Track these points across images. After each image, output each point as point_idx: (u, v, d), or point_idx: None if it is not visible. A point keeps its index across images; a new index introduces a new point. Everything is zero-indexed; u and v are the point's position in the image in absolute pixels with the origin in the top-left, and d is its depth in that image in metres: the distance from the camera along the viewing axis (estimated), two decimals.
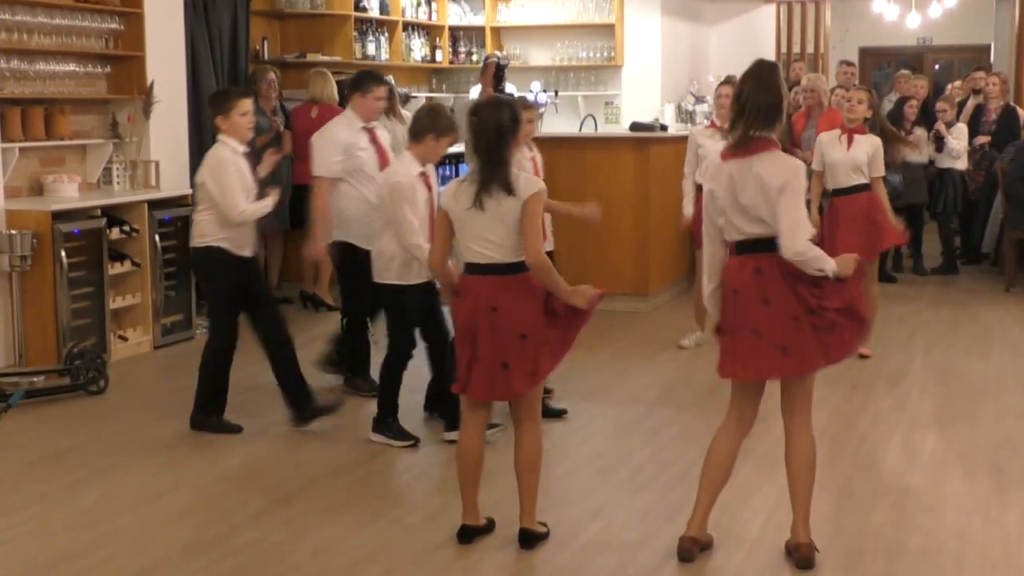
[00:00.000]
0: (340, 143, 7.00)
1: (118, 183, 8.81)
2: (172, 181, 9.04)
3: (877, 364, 8.12)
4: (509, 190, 4.60)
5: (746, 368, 4.54)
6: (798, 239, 4.41)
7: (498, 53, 12.96)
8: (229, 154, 6.37)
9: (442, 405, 6.50)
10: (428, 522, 5.22)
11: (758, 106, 4.45)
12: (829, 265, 4.46)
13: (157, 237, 8.53)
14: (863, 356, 8.22)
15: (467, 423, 4.87)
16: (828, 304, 4.48)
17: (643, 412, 6.99)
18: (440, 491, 5.61)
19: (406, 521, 5.25)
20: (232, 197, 6.30)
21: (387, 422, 6.33)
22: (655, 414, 6.95)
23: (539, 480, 4.87)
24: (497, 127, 4.64)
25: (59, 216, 7.82)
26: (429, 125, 6.02)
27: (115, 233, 8.28)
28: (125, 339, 8.40)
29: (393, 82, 11.37)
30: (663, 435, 6.51)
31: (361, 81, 7.22)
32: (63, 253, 7.77)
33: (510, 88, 11.38)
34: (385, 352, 6.34)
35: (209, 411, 6.61)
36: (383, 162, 7.02)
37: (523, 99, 7.33)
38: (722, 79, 8.71)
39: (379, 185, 6.34)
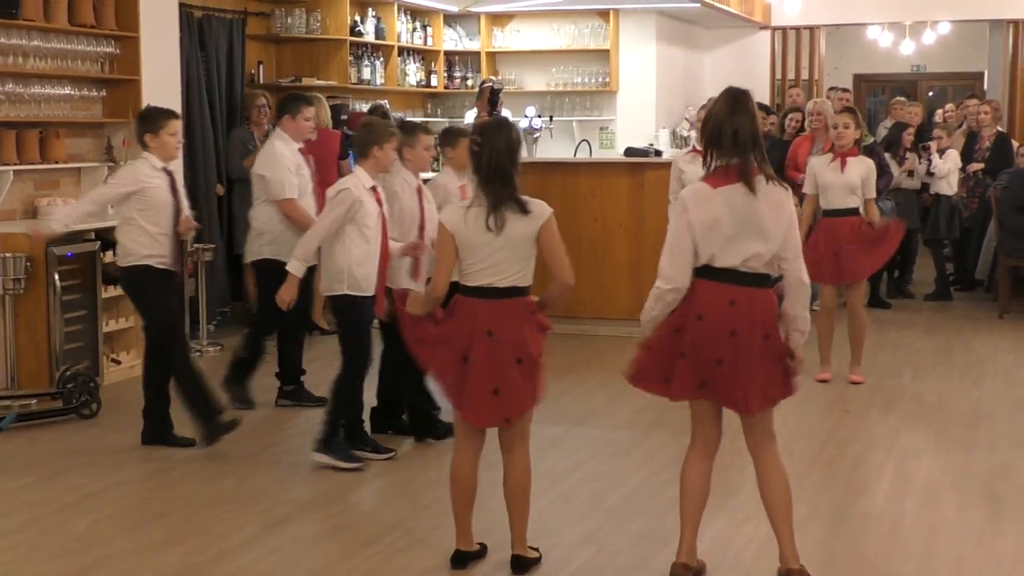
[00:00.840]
0: (291, 163, 7.26)
1: (112, 207, 8.79)
2: None
3: (871, 390, 8.13)
4: (523, 209, 4.62)
5: (704, 388, 4.52)
6: (803, 263, 4.47)
7: (493, 78, 13.02)
8: (142, 167, 6.50)
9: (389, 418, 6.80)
10: (421, 547, 5.21)
11: (752, 133, 4.45)
12: (807, 317, 4.52)
13: None
14: (856, 382, 8.23)
15: (461, 448, 4.87)
16: (766, 359, 4.49)
17: (637, 436, 7.00)
18: (432, 516, 5.60)
19: (398, 546, 5.24)
20: (94, 192, 6.57)
21: (334, 442, 6.33)
22: (649, 438, 6.95)
23: (530, 505, 4.86)
24: (507, 147, 4.66)
25: (53, 239, 7.81)
26: (369, 139, 6.23)
27: (109, 256, 8.26)
28: (118, 362, 8.39)
29: (388, 106, 11.43)
30: (657, 459, 6.51)
31: (291, 103, 7.45)
32: (56, 276, 7.77)
33: (505, 112, 11.43)
34: (340, 370, 6.37)
35: (158, 427, 6.76)
36: (314, 181, 7.41)
37: (414, 123, 7.42)
38: (704, 104, 8.76)
39: (328, 197, 6.33)
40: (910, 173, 11.64)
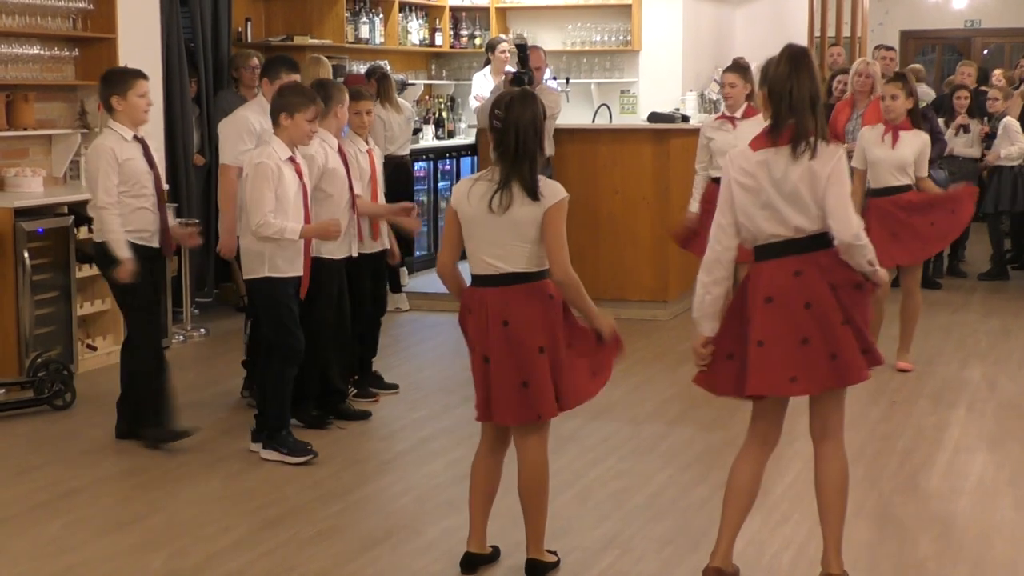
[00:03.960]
0: (252, 131, 7.19)
1: (87, 177, 8.82)
2: None
3: (920, 378, 8.12)
4: (533, 195, 4.60)
5: (795, 383, 4.49)
6: (853, 222, 4.45)
7: (503, 36, 12.95)
8: (113, 142, 6.47)
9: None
10: (427, 550, 5.22)
11: (805, 94, 4.46)
12: (876, 260, 4.50)
13: None
14: (903, 370, 8.22)
15: (485, 445, 4.88)
16: (856, 316, 4.49)
17: (662, 431, 7.00)
18: (441, 517, 5.61)
19: (403, 549, 5.25)
20: (96, 187, 6.42)
21: (280, 435, 6.39)
22: (675, 433, 6.95)
23: (547, 506, 4.87)
24: (533, 124, 4.63)
25: (22, 213, 7.84)
26: (280, 105, 6.31)
27: (83, 232, 8.28)
28: (94, 348, 8.41)
29: (388, 67, 11.42)
30: (684, 456, 6.51)
31: (273, 67, 7.41)
32: (26, 254, 7.79)
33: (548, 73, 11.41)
34: (262, 359, 6.47)
35: (131, 420, 6.75)
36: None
37: (357, 89, 7.55)
38: (728, 66, 8.73)
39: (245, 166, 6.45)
40: (961, 129, 11.58)
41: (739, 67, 8.56)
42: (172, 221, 6.84)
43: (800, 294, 4.46)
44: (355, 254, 7.07)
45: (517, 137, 4.61)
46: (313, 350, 6.64)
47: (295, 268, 6.39)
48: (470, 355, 4.81)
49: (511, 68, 11.14)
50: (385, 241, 7.41)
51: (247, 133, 7.17)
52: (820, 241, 4.49)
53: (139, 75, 6.65)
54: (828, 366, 4.47)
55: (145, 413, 6.65)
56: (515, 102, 4.67)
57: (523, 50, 10.20)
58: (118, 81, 6.57)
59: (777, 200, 4.46)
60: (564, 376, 4.69)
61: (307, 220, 6.35)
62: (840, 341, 4.46)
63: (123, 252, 6.40)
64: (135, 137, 6.55)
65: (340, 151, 6.94)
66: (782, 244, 4.49)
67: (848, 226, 4.42)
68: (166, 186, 6.86)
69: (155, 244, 6.61)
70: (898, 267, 8.38)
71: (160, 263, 6.75)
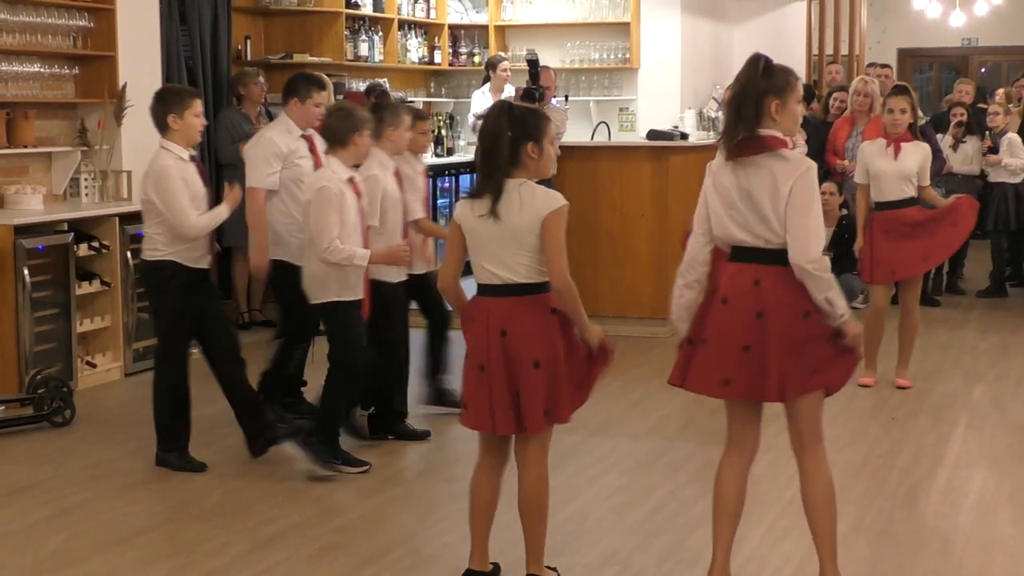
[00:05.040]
0: (279, 153, 7.15)
1: (87, 195, 8.85)
2: None
3: (919, 395, 8.13)
4: (522, 203, 4.61)
5: (727, 386, 4.52)
6: (811, 247, 4.40)
7: (502, 54, 12.99)
8: (173, 162, 6.41)
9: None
10: (428, 566, 5.22)
11: (749, 101, 4.49)
12: (840, 303, 4.47)
13: (129, 254, 8.54)
14: (903, 387, 8.22)
15: (483, 460, 4.88)
16: (806, 343, 4.47)
17: (661, 446, 7.00)
18: (441, 533, 5.61)
19: (403, 565, 5.25)
20: (180, 210, 6.34)
21: (321, 447, 6.38)
22: (674, 449, 6.96)
23: (547, 521, 4.87)
24: (508, 133, 4.64)
25: (22, 231, 7.85)
26: (349, 125, 6.28)
27: (83, 249, 8.31)
28: (93, 365, 8.42)
29: (387, 85, 11.45)
30: (683, 472, 6.51)
31: (302, 86, 7.34)
32: (26, 271, 7.80)
33: (509, 91, 11.43)
34: (327, 376, 6.44)
35: (169, 446, 6.63)
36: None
37: (419, 109, 7.58)
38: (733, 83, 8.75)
39: (305, 193, 6.42)
40: (959, 144, 11.62)
41: None
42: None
43: (755, 302, 4.47)
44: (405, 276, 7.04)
45: (489, 146, 4.65)
46: (378, 370, 6.66)
47: (359, 291, 6.36)
48: (464, 362, 4.81)
49: (511, 85, 11.20)
50: (433, 262, 7.39)
51: (274, 156, 7.12)
52: (783, 257, 4.47)
53: (195, 94, 6.62)
54: (764, 378, 4.47)
55: (164, 437, 6.59)
56: (489, 114, 4.73)
57: (534, 66, 10.19)
58: (175, 100, 6.49)
59: (744, 209, 4.48)
60: (559, 388, 4.69)
61: (364, 242, 6.33)
62: (780, 357, 4.44)
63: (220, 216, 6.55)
64: (191, 157, 6.50)
65: (396, 173, 6.86)
66: (750, 250, 4.50)
67: (804, 248, 4.39)
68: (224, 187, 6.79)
69: (204, 265, 6.54)
70: (897, 284, 8.40)
71: (208, 286, 6.61)
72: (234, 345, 6.67)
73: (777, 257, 4.47)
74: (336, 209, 6.16)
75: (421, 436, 7.10)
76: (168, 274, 6.43)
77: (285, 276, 7.08)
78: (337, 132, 6.32)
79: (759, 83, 4.48)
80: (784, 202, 4.42)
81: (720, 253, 4.62)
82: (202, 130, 6.58)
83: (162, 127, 6.47)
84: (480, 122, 4.85)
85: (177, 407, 6.61)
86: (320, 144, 7.20)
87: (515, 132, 4.65)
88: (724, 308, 4.51)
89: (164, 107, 6.47)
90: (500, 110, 4.73)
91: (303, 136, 7.27)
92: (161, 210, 6.35)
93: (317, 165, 7.15)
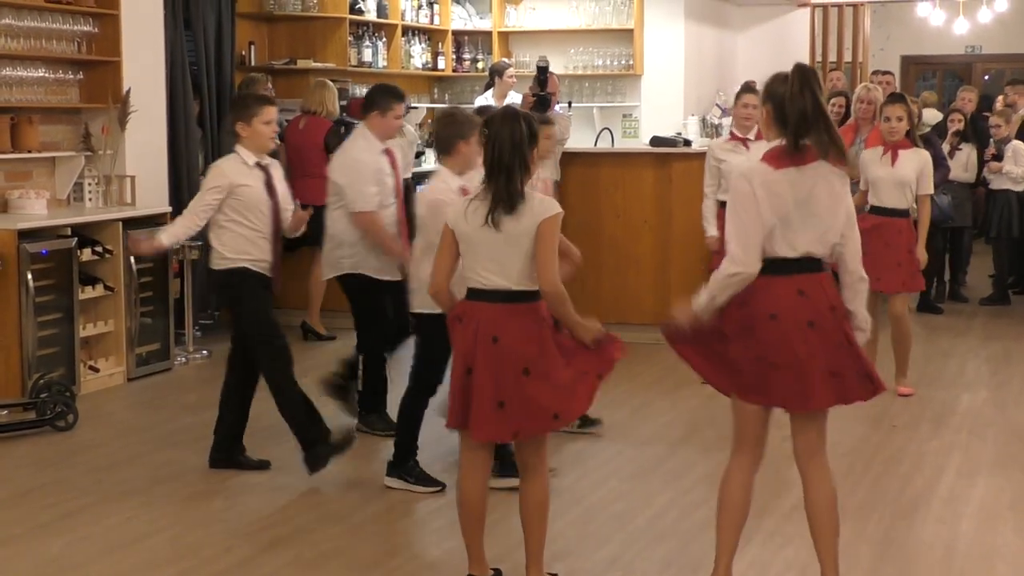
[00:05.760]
0: (371, 171, 6.99)
1: (90, 199, 8.86)
2: (149, 198, 9.09)
3: (921, 403, 8.13)
4: (512, 206, 4.63)
5: (794, 398, 4.53)
6: (860, 262, 4.60)
7: (506, 60, 13.01)
8: (229, 165, 6.41)
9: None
10: (428, 572, 5.23)
11: (818, 112, 4.50)
12: (864, 322, 4.59)
13: (132, 259, 8.56)
14: (904, 395, 8.22)
15: (466, 466, 4.88)
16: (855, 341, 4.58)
17: (664, 453, 7.00)
18: (441, 538, 5.62)
19: (405, 570, 5.26)
20: (195, 204, 6.41)
21: (407, 465, 6.29)
22: (677, 455, 6.96)
23: (547, 527, 4.87)
24: (511, 141, 4.67)
25: (26, 235, 7.86)
26: (455, 132, 6.06)
27: (86, 254, 8.32)
28: (96, 370, 8.43)
29: None
30: (686, 478, 6.52)
31: (379, 98, 7.18)
32: (29, 276, 7.81)
33: (514, 97, 11.44)
34: (407, 388, 6.30)
35: (228, 448, 6.65)
36: (399, 186, 7.14)
37: (545, 116, 7.40)
38: (741, 87, 8.75)
39: (417, 205, 6.18)
40: (955, 151, 11.63)
41: (755, 90, 8.58)
42: (291, 206, 6.64)
43: (804, 312, 4.48)
44: None
45: (495, 153, 4.66)
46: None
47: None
48: (452, 362, 4.81)
49: (515, 92, 11.21)
50: None
51: (371, 176, 6.95)
52: (820, 265, 4.54)
53: (264, 101, 6.59)
54: (830, 383, 4.49)
55: (303, 438, 6.49)
56: (497, 119, 4.74)
57: (544, 72, 10.19)
58: (242, 108, 6.50)
59: (795, 220, 4.47)
60: (561, 391, 4.69)
61: None
62: (841, 360, 4.50)
63: (166, 238, 6.57)
64: (257, 164, 6.44)
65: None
66: (790, 262, 4.51)
67: (860, 256, 4.58)
68: (293, 206, 6.69)
69: (269, 273, 6.49)
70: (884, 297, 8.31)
71: (269, 295, 6.56)
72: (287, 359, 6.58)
73: (814, 266, 4.53)
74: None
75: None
76: (238, 279, 6.42)
77: (363, 289, 7.04)
78: (441, 139, 6.12)
79: (814, 95, 4.52)
80: (844, 212, 4.54)
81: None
82: (272, 137, 6.52)
83: (233, 134, 6.49)
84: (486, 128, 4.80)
85: (303, 402, 6.51)
86: (400, 158, 7.15)
87: (531, 140, 4.69)
88: (773, 323, 4.49)
89: (233, 116, 6.50)
90: (514, 116, 4.74)
91: (384, 151, 7.12)
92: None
93: (397, 182, 7.12)
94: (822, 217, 4.48)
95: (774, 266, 4.51)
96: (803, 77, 4.54)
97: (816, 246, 4.50)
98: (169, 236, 6.59)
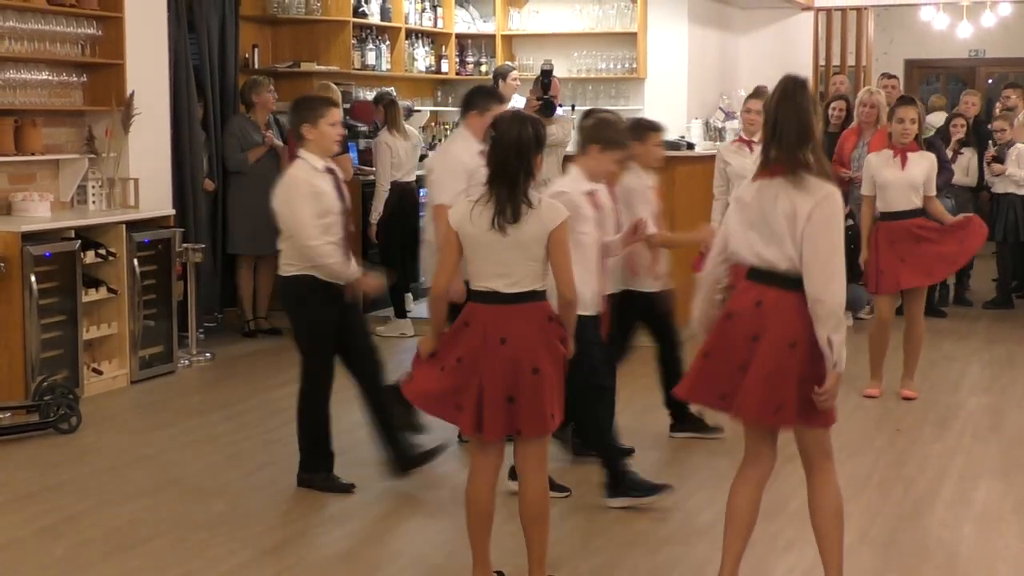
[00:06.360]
0: (466, 169, 6.83)
1: (94, 202, 8.87)
2: (152, 200, 9.09)
3: (924, 406, 8.13)
4: (515, 215, 4.62)
5: (724, 401, 4.55)
6: (829, 285, 4.37)
7: (509, 63, 13.01)
8: (305, 173, 6.19)
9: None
10: (432, 575, 5.22)
11: (791, 126, 4.49)
12: (840, 352, 4.39)
13: (136, 261, 8.57)
14: (908, 398, 8.22)
15: (476, 467, 4.88)
16: (788, 374, 4.45)
17: (666, 457, 7.00)
18: (446, 542, 5.62)
19: (408, 574, 5.26)
20: (300, 223, 6.09)
21: (623, 480, 6.10)
22: (679, 459, 6.96)
23: (549, 531, 4.87)
24: (517, 144, 4.66)
25: (29, 238, 7.87)
26: (593, 135, 5.98)
27: (90, 257, 8.33)
28: (100, 372, 8.43)
29: (394, 94, 11.48)
30: (688, 482, 6.51)
31: (480, 99, 7.10)
32: (33, 278, 7.81)
33: (517, 100, 11.43)
34: (579, 404, 5.95)
35: (314, 467, 6.42)
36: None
37: (651, 121, 7.32)
38: (751, 91, 8.79)
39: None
40: (957, 156, 11.63)
41: (763, 94, 8.60)
42: (357, 270, 6.32)
43: (753, 324, 4.47)
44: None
45: (499, 157, 4.67)
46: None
47: (594, 306, 5.93)
48: (437, 353, 4.77)
49: (519, 95, 11.20)
50: (664, 279, 7.13)
51: (463, 173, 6.78)
52: (786, 282, 4.45)
53: (331, 103, 6.40)
54: (760, 398, 4.46)
55: (395, 445, 6.42)
56: (503, 122, 4.74)
57: (547, 76, 10.19)
58: (309, 109, 6.30)
59: (761, 230, 4.49)
60: (558, 392, 4.71)
61: (602, 259, 6.02)
62: (767, 379, 4.43)
63: (351, 272, 6.21)
64: (326, 168, 6.29)
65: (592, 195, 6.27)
66: (755, 271, 4.52)
67: (826, 284, 4.37)
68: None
69: (334, 279, 6.24)
70: (902, 294, 8.39)
71: (345, 303, 6.31)
72: (374, 368, 6.46)
73: (784, 282, 4.47)
74: (576, 220, 5.69)
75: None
76: (305, 289, 6.20)
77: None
78: (581, 138, 6.03)
79: (796, 110, 4.51)
80: (801, 226, 4.42)
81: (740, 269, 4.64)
82: (338, 139, 6.37)
83: (299, 137, 6.32)
84: (492, 131, 4.78)
85: (318, 426, 6.38)
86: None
87: (537, 145, 4.69)
88: (727, 323, 4.55)
89: (298, 117, 6.30)
90: (521, 120, 4.74)
91: (481, 152, 7.06)
92: (287, 223, 6.15)
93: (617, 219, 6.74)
94: (778, 232, 4.45)
95: (750, 271, 4.55)
96: (784, 90, 4.54)
97: (780, 260, 4.45)
98: (347, 269, 6.23)
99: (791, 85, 4.56)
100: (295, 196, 6.12)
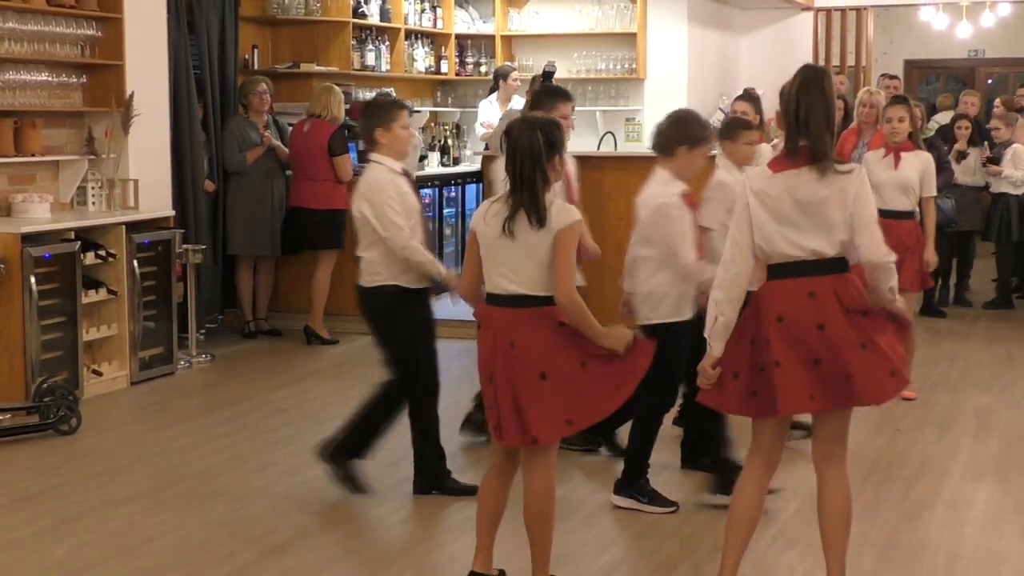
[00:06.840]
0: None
1: (93, 203, 8.87)
2: (152, 202, 9.09)
3: (924, 407, 8.13)
4: (540, 220, 4.61)
5: (813, 401, 4.50)
6: (882, 243, 4.48)
7: (509, 64, 13.02)
8: (387, 175, 6.10)
9: (709, 458, 6.39)
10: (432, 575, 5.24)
11: (819, 114, 4.49)
12: (897, 289, 4.52)
13: (136, 263, 8.57)
14: (908, 399, 8.22)
15: (493, 464, 4.89)
16: (879, 340, 4.49)
17: (668, 457, 6.98)
18: (445, 541, 5.63)
19: (408, 574, 5.26)
20: (391, 222, 5.98)
21: (639, 484, 6.11)
22: (680, 459, 6.95)
23: (552, 532, 4.87)
24: (530, 150, 4.65)
25: (29, 239, 7.86)
26: (679, 135, 5.91)
27: (90, 258, 8.33)
28: (100, 374, 8.43)
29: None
30: (689, 482, 6.51)
31: (548, 99, 6.86)
32: (33, 279, 7.81)
33: (518, 101, 11.45)
34: (644, 403, 5.94)
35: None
36: (570, 196, 6.68)
37: (746, 120, 7.12)
38: (739, 94, 8.77)
39: (639, 211, 5.99)
40: (960, 157, 11.63)
41: (750, 97, 8.58)
42: (443, 268, 6.18)
43: (813, 315, 4.46)
44: None
45: (519, 162, 4.66)
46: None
47: (690, 312, 5.91)
48: (479, 374, 4.82)
49: (519, 96, 11.21)
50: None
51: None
52: (836, 265, 4.50)
53: (401, 106, 6.34)
54: (843, 386, 4.47)
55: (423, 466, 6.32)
56: (513, 128, 4.74)
57: (550, 77, 10.20)
58: (380, 113, 6.24)
59: (799, 221, 4.47)
60: (578, 396, 4.69)
61: (700, 254, 5.90)
62: (853, 363, 4.44)
63: (440, 270, 6.06)
64: (403, 170, 6.23)
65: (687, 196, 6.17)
66: (798, 264, 4.50)
67: (879, 246, 4.47)
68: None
69: (420, 284, 6.13)
70: None
71: (427, 306, 6.24)
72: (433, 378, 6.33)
73: (827, 267, 4.49)
74: (682, 222, 5.79)
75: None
76: (394, 300, 6.09)
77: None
78: (663, 139, 5.95)
79: (822, 97, 4.52)
80: (851, 205, 4.45)
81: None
82: (409, 141, 6.32)
83: (370, 142, 6.23)
84: (501, 135, 4.75)
85: (432, 430, 6.30)
86: (572, 172, 6.75)
87: (547, 148, 4.67)
88: (782, 326, 4.46)
89: (370, 121, 6.23)
90: (531, 126, 4.71)
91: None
92: (375, 226, 6.01)
93: (569, 194, 6.67)
94: (825, 219, 4.46)
95: (783, 269, 4.51)
96: (804, 79, 4.55)
97: (825, 246, 4.47)
98: (437, 267, 6.11)
99: (811, 74, 4.57)
100: (384, 200, 6.01)
